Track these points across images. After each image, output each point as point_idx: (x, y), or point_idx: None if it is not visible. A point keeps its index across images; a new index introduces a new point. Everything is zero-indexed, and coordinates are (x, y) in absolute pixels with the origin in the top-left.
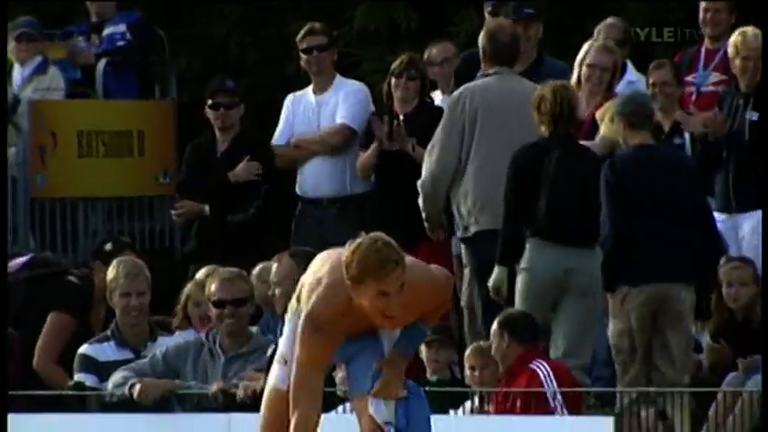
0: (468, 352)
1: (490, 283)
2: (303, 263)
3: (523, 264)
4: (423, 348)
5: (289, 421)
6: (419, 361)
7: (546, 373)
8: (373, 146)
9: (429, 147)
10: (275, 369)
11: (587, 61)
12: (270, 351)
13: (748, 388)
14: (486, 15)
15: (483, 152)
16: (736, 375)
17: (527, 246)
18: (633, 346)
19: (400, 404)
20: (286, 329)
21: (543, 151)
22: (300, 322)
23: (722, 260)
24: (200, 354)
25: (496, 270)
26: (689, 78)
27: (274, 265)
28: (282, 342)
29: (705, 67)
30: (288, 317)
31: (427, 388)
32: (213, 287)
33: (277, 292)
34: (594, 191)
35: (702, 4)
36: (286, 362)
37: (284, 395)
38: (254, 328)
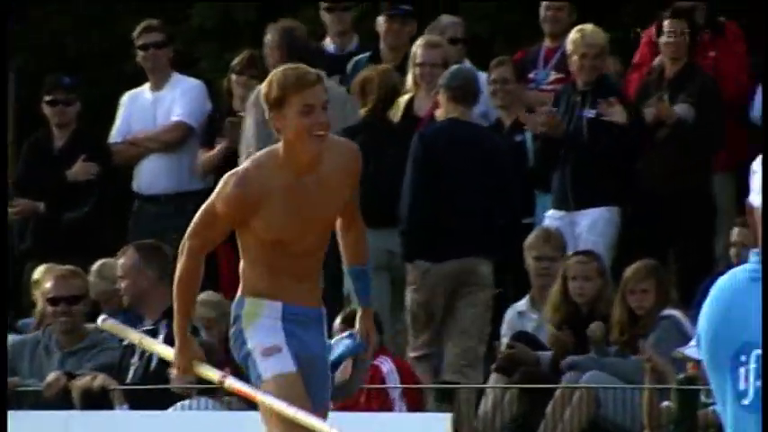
0: None
1: None
2: (148, 255)
3: None
4: None
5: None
6: None
7: (389, 368)
8: (221, 146)
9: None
10: (269, 361)
11: (416, 60)
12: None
13: (583, 384)
14: (322, 11)
15: None
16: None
17: None
18: (430, 317)
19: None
20: (257, 327)
21: (354, 134)
22: (225, 177)
23: (569, 254)
24: (35, 350)
25: None
26: (531, 76)
27: (120, 260)
28: (256, 338)
29: (545, 65)
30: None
31: None
32: (48, 285)
33: (123, 285)
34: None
35: (543, 3)
36: (279, 349)
37: (296, 378)
38: (90, 325)
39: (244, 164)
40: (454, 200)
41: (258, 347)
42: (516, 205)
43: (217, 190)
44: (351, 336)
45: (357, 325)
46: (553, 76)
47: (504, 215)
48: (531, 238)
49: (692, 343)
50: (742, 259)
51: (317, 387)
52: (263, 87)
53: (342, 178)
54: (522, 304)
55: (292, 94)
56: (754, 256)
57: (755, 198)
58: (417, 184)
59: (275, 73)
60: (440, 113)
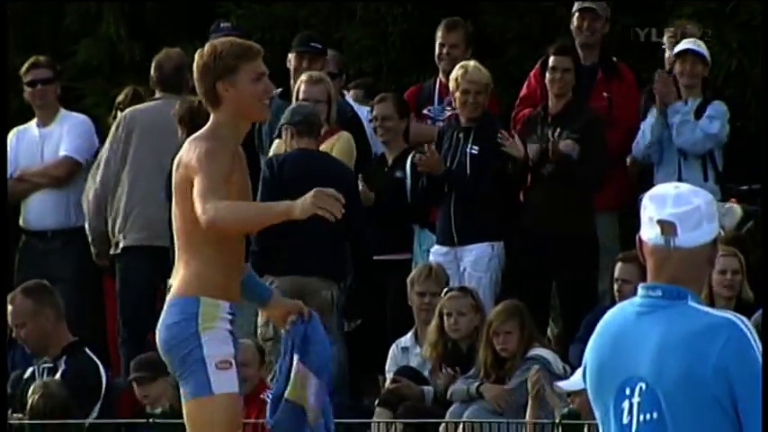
0: None
1: None
2: (41, 296)
3: None
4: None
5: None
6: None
7: None
8: None
9: (93, 167)
10: (222, 376)
11: (300, 96)
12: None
13: (466, 418)
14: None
15: (134, 171)
16: (458, 405)
17: None
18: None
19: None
20: (216, 332)
21: None
22: (190, 143)
23: (444, 292)
24: None
25: None
26: (425, 111)
27: (9, 308)
28: (214, 346)
29: (440, 101)
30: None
31: (152, 420)
32: None
33: (22, 332)
34: None
35: (438, 39)
36: (231, 364)
37: (238, 400)
38: None
39: (197, 140)
40: (300, 222)
41: (214, 358)
42: (364, 232)
43: (194, 156)
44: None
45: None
46: (449, 111)
47: (351, 240)
48: (413, 274)
49: (575, 376)
50: (624, 295)
51: None
52: (202, 57)
53: None
54: (406, 339)
55: (244, 62)
56: (642, 290)
57: (646, 231)
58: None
59: (219, 43)
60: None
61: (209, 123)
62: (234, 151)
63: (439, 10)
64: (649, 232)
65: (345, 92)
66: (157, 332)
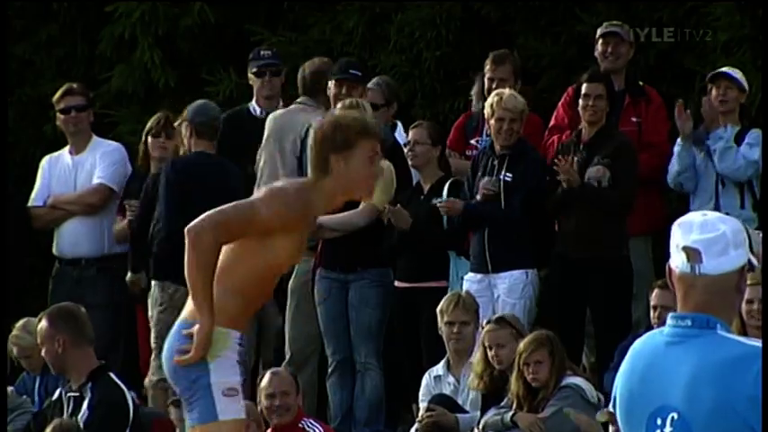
0: None
1: None
2: (57, 320)
3: None
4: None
5: None
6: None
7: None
8: (129, 214)
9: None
10: (229, 402)
11: None
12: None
13: None
14: (251, 75)
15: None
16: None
17: None
18: None
19: None
20: (224, 360)
21: None
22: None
23: (483, 322)
24: None
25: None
26: (472, 142)
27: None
28: (222, 373)
29: (488, 130)
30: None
31: None
32: None
33: (42, 352)
34: None
35: (486, 73)
36: (238, 392)
37: (243, 427)
38: (9, 389)
39: (285, 183)
40: None
41: (221, 384)
42: None
43: (261, 197)
44: None
45: None
46: None
47: None
48: (442, 303)
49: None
50: (663, 321)
51: None
52: (322, 127)
53: None
54: (438, 368)
55: (363, 139)
56: (671, 320)
57: (673, 259)
58: (168, 207)
59: (342, 116)
60: (185, 149)
61: (311, 179)
62: (306, 222)
63: (473, 35)
64: (676, 259)
65: (398, 121)
66: (164, 356)
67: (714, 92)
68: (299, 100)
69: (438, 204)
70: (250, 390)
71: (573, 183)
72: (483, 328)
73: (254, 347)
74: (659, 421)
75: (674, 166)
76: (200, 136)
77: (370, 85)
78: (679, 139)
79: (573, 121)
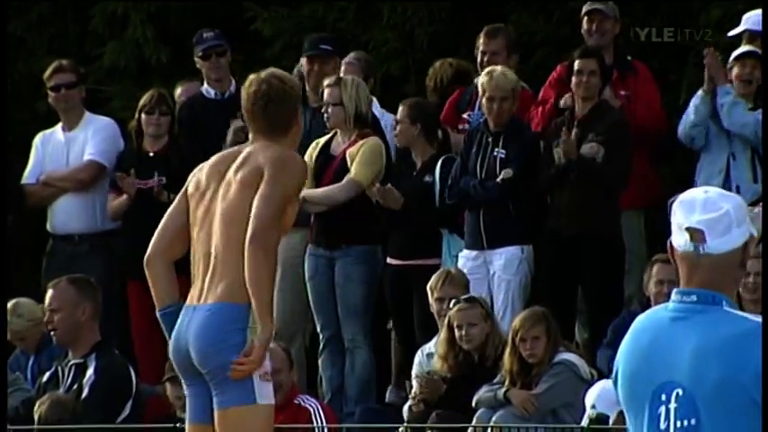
0: None
1: None
2: (84, 289)
3: None
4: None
5: None
6: None
7: (316, 408)
8: (124, 197)
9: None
10: (267, 387)
11: (324, 99)
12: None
13: (494, 423)
14: (197, 59)
15: None
16: (485, 410)
17: None
18: None
19: None
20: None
21: None
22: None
23: (452, 302)
24: None
25: None
26: (464, 116)
27: (50, 293)
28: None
29: (480, 106)
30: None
31: (178, 425)
32: None
33: (55, 317)
34: None
35: (479, 47)
36: (270, 377)
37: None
38: None
39: (281, 152)
40: None
41: (259, 368)
42: None
43: (277, 172)
44: None
45: None
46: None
47: None
48: (432, 280)
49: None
50: (666, 295)
51: None
52: (287, 82)
53: None
54: (431, 346)
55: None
56: (675, 295)
57: (675, 238)
58: None
59: (287, 75)
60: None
61: (278, 141)
62: None
63: (467, 12)
64: (679, 239)
65: (373, 97)
66: (195, 335)
67: (737, 70)
68: None
69: (375, 190)
70: None
71: (571, 155)
72: (450, 308)
73: None
74: (663, 397)
75: (689, 117)
76: None
77: (347, 59)
78: (700, 91)
79: (558, 99)
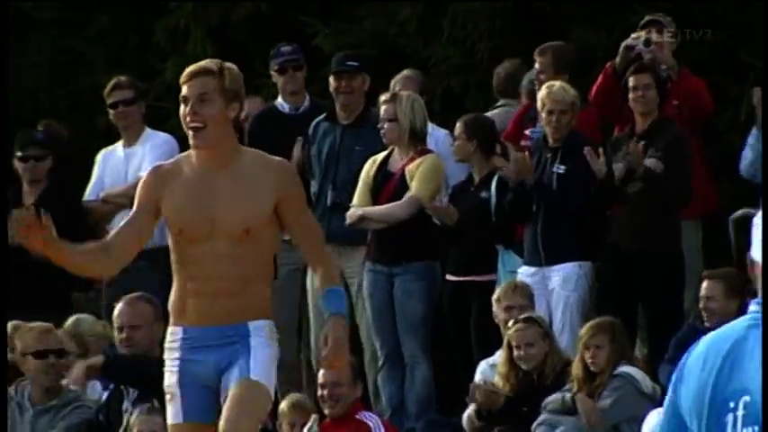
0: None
1: None
2: (157, 308)
3: None
4: None
5: None
6: None
7: (377, 424)
8: None
9: None
10: (168, 407)
11: (381, 115)
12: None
13: None
14: (273, 73)
15: None
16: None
17: None
18: None
19: None
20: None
21: None
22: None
23: (510, 322)
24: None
25: None
26: (526, 132)
27: (125, 310)
28: (167, 373)
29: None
30: None
31: None
32: (29, 339)
33: (134, 336)
34: None
35: (537, 66)
36: (173, 395)
37: (184, 428)
38: (63, 382)
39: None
40: None
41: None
42: None
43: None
44: None
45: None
46: None
47: None
48: (498, 291)
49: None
50: (709, 312)
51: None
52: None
53: (260, 188)
54: (496, 357)
55: (182, 82)
56: (753, 306)
57: (757, 252)
58: None
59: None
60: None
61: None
62: (188, 171)
63: (527, 27)
64: (758, 253)
65: None
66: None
67: None
68: (499, 103)
69: (430, 206)
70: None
71: (638, 167)
72: (508, 328)
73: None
74: (732, 404)
75: (747, 157)
76: None
77: (404, 74)
78: (754, 129)
79: (606, 106)
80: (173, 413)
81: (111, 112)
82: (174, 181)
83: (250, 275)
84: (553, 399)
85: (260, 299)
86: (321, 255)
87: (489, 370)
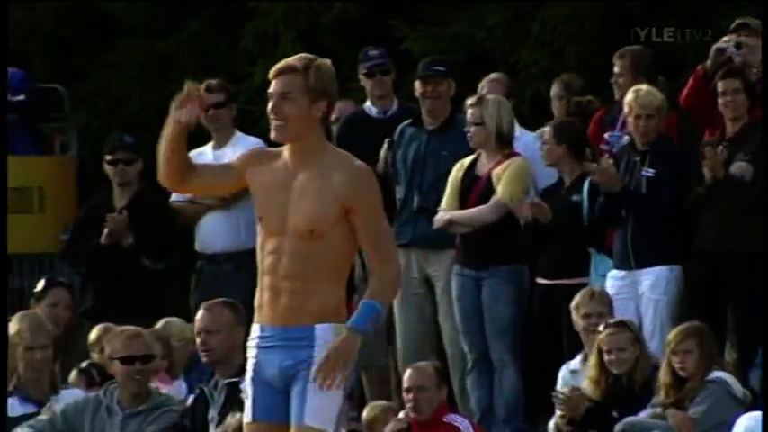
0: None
1: None
2: (239, 313)
3: None
4: None
5: None
6: None
7: (466, 427)
8: None
9: None
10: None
11: (467, 119)
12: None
13: None
14: (361, 77)
15: None
16: None
17: None
18: None
19: None
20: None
21: None
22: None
23: (601, 326)
24: (97, 411)
25: None
26: (605, 136)
27: (205, 314)
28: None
29: (623, 126)
30: None
31: None
32: (117, 344)
33: (212, 339)
34: None
35: (616, 69)
36: (247, 395)
37: (255, 427)
38: (152, 385)
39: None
40: None
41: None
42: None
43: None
44: None
45: None
46: (627, 137)
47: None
48: (577, 298)
49: None
50: None
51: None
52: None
53: (329, 190)
54: (576, 362)
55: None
56: None
57: None
58: None
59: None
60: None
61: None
62: (277, 166)
63: (614, 29)
64: None
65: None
66: None
67: None
68: None
69: (594, 168)
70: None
71: (717, 174)
72: (599, 332)
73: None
74: None
75: None
76: None
77: (491, 77)
78: None
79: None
80: (246, 412)
81: (201, 115)
82: (266, 164)
83: (314, 275)
84: (645, 415)
85: (327, 300)
86: (378, 264)
87: (569, 375)
